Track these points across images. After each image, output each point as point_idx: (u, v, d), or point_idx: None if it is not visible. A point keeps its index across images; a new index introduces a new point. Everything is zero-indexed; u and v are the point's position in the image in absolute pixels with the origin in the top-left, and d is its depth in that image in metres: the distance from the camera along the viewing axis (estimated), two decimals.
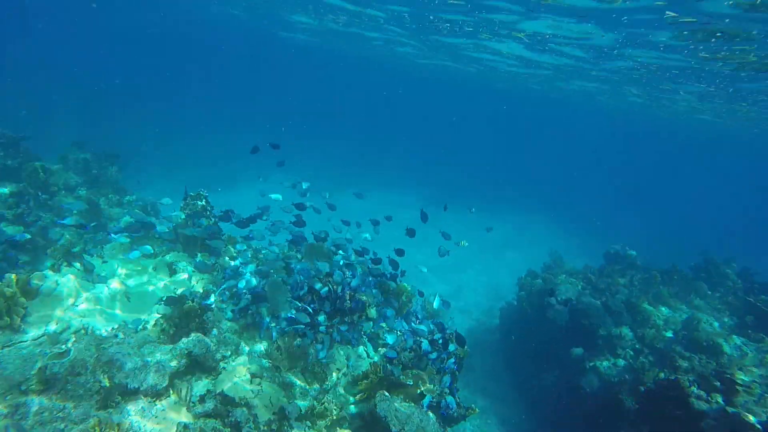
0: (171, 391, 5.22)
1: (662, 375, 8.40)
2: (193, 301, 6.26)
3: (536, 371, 14.20)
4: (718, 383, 7.98)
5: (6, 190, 10.58)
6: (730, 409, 7.49)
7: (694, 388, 7.55)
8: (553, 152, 73.42)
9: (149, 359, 5.41)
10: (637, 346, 11.06)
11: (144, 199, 14.75)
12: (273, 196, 9.09)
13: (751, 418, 7.36)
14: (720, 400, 7.60)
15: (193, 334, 6.05)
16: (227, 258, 8.41)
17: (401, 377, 5.77)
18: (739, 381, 8.11)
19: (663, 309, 12.16)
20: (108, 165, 15.88)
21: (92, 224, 10.27)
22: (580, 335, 12.56)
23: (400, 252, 8.39)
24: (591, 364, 11.85)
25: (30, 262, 8.75)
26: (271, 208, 8.62)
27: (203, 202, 9.12)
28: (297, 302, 7.23)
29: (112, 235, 8.35)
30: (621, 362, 11.11)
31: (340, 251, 8.38)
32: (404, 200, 33.80)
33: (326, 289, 7.19)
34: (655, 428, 7.92)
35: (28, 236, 8.21)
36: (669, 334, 10.78)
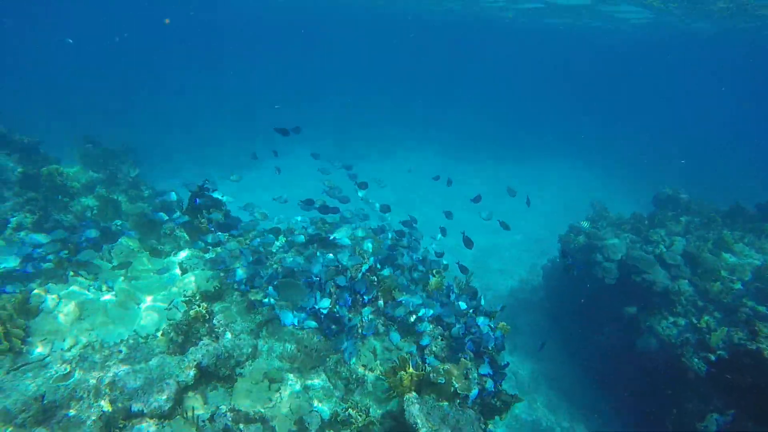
0: (179, 410, 4.81)
1: (737, 339, 7.36)
2: (200, 306, 5.78)
3: (586, 331, 13.35)
4: None
5: (22, 198, 10.44)
6: None
7: None
8: (585, 92, 68.66)
9: (155, 375, 5.00)
10: (699, 303, 9.94)
11: (164, 192, 14.51)
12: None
13: None
14: None
15: (202, 342, 5.60)
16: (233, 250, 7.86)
17: (432, 375, 5.11)
18: None
19: (727, 257, 10.86)
20: (125, 160, 15.69)
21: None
22: (633, 292, 11.52)
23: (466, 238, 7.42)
24: (647, 323, 10.87)
25: (49, 272, 8.59)
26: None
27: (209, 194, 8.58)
28: (317, 292, 6.67)
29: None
30: (682, 321, 10.05)
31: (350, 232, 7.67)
32: (425, 156, 32.69)
33: (343, 277, 6.57)
34: (732, 403, 6.99)
35: (96, 233, 7.76)
36: (738, 285, 9.59)
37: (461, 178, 27.65)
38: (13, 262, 6.76)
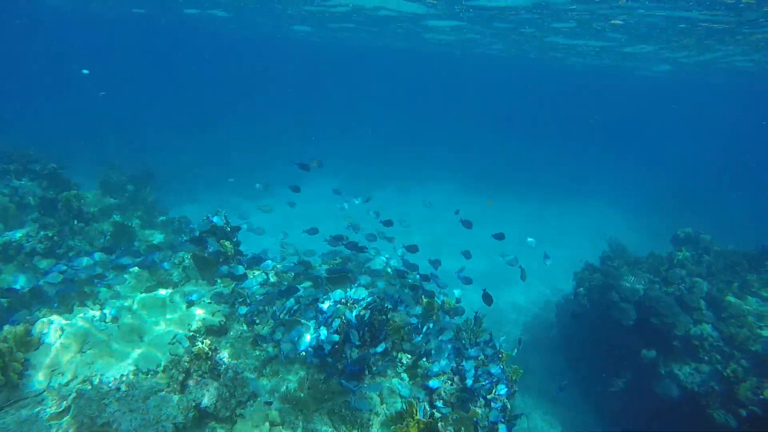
0: None
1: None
2: (203, 343, 5.63)
3: (602, 374, 12.78)
4: None
5: (38, 224, 10.55)
6: None
7: None
8: (605, 129, 68.80)
9: (152, 416, 4.81)
10: (724, 349, 9.46)
11: (179, 219, 14.63)
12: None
13: None
14: None
15: (203, 380, 5.41)
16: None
17: (440, 424, 4.84)
18: None
19: (753, 301, 10.39)
20: (143, 185, 15.94)
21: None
22: (652, 335, 11.04)
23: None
24: (667, 369, 10.36)
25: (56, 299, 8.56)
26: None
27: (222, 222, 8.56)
28: (324, 328, 6.48)
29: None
30: (705, 368, 9.55)
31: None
32: (444, 189, 32.70)
33: (349, 311, 6.38)
34: None
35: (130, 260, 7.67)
36: (766, 333, 9.11)
37: (484, 213, 27.48)
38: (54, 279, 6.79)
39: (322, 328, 6.45)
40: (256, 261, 7.72)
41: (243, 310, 6.60)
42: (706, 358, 9.66)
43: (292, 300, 6.83)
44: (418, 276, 7.43)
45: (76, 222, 11.62)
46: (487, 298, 6.55)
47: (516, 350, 7.28)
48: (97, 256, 7.58)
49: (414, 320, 6.68)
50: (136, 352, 6.15)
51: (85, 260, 7.12)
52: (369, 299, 6.51)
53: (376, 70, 64.71)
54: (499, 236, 7.87)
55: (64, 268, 6.87)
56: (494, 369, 5.89)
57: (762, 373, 8.17)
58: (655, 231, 24.21)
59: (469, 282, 7.34)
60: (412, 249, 7.77)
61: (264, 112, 51.30)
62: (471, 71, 52.20)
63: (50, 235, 10.40)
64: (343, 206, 9.37)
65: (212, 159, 31.86)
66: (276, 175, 29.52)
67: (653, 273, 12.51)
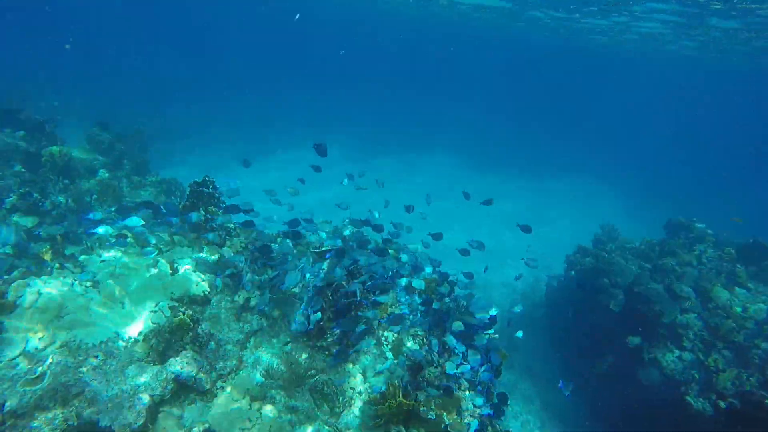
0: (150, 428, 4.51)
1: (749, 385, 6.96)
2: (184, 313, 5.48)
3: (586, 356, 12.96)
4: None
5: (17, 179, 10.18)
6: None
7: None
8: (606, 108, 67.80)
9: (128, 387, 4.70)
10: (708, 338, 9.53)
11: (168, 180, 14.27)
12: None
13: None
14: None
15: (183, 353, 5.30)
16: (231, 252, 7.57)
17: (422, 408, 4.78)
18: None
19: (741, 293, 10.42)
20: (132, 145, 15.45)
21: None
22: (638, 322, 11.10)
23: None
24: (651, 355, 10.47)
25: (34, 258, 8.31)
26: None
27: (210, 189, 8.29)
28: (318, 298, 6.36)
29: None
30: (688, 356, 9.65)
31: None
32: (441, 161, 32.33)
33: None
34: None
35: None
36: (751, 325, 9.17)
37: (485, 189, 27.24)
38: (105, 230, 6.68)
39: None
40: (296, 234, 7.56)
41: (220, 282, 6.45)
42: (689, 346, 9.74)
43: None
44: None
45: (60, 178, 11.27)
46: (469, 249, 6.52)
47: (521, 332, 7.43)
48: (142, 213, 7.34)
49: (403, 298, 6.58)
50: (117, 319, 6.00)
51: (138, 220, 6.94)
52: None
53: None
54: (526, 229, 7.75)
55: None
56: (479, 359, 5.84)
57: (743, 364, 8.24)
58: (650, 217, 24.24)
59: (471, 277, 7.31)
60: (438, 237, 7.63)
61: (274, 83, 49.47)
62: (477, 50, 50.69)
63: (32, 191, 10.07)
64: (343, 181, 9.17)
65: (201, 123, 31.02)
66: (273, 140, 29.07)
67: (645, 259, 12.49)
